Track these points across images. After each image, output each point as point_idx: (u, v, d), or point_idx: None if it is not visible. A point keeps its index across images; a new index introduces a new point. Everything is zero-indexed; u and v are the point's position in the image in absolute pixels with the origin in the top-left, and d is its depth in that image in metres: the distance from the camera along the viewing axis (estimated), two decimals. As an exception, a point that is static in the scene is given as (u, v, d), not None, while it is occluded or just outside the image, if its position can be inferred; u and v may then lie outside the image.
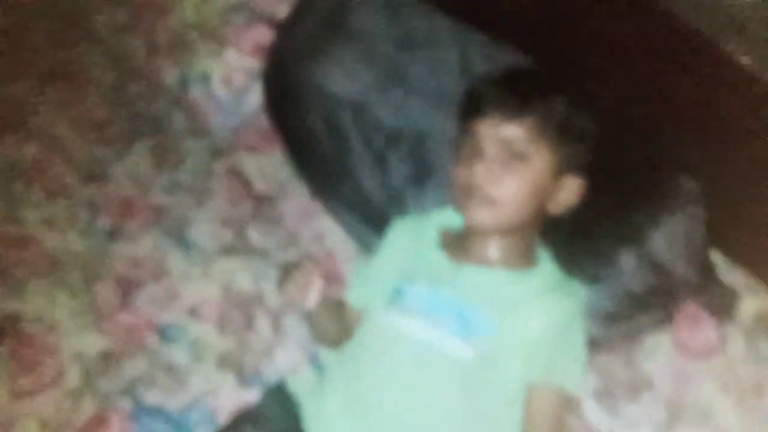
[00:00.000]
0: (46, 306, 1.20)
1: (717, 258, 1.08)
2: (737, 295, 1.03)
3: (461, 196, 0.92)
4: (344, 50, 1.20)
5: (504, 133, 0.90)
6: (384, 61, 1.17)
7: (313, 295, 0.93)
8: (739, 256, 1.09)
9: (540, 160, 0.90)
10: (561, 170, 0.92)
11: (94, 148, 1.41)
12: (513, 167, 0.89)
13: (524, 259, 0.96)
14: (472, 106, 0.94)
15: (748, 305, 1.06)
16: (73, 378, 1.11)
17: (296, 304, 0.98)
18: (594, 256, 1.00)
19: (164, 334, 1.16)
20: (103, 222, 1.30)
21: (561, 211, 0.94)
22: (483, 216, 0.90)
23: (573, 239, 0.99)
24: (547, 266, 0.97)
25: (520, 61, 1.14)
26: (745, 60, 0.90)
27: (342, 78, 1.19)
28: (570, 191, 0.94)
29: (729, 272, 1.09)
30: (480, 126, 0.91)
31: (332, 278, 1.19)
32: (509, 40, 1.16)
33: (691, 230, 1.00)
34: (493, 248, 0.94)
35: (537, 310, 0.91)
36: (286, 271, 0.98)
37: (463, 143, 0.94)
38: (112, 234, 1.28)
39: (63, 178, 1.37)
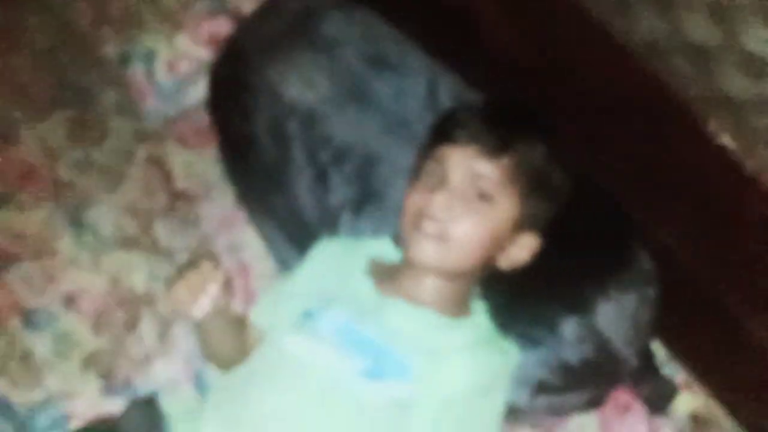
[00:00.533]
0: None
1: (657, 348, 1.01)
2: (676, 390, 0.95)
3: (411, 224, 0.81)
4: (306, 55, 1.11)
5: (476, 168, 0.79)
6: (346, 75, 1.09)
7: (202, 303, 0.77)
8: (680, 350, 1.02)
9: (505, 207, 0.80)
10: (522, 224, 0.83)
11: (9, 108, 1.26)
12: (476, 207, 0.79)
13: (457, 307, 0.85)
14: (446, 130, 0.83)
15: (684, 402, 0.98)
16: None
17: (182, 310, 0.80)
18: (534, 317, 0.90)
19: (30, 319, 0.99)
20: (-4, 185, 1.14)
21: (509, 267, 0.85)
22: (430, 252, 0.79)
23: (514, 295, 0.89)
24: (480, 319, 0.87)
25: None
26: (726, 140, 0.85)
27: (298, 83, 1.09)
28: (524, 248, 0.84)
29: (667, 365, 1.01)
30: (451, 153, 0.81)
31: (243, 294, 1.05)
32: (483, 80, 1.10)
33: (640, 311, 0.92)
34: (428, 288, 0.83)
35: (460, 365, 0.79)
36: (181, 270, 0.82)
37: (425, 168, 0.84)
38: (1, 200, 1.12)
39: (-40, 132, 1.21)
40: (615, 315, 0.90)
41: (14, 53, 1.36)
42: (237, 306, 1.04)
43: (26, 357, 0.95)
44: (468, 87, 1.10)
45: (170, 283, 0.81)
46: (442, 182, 0.80)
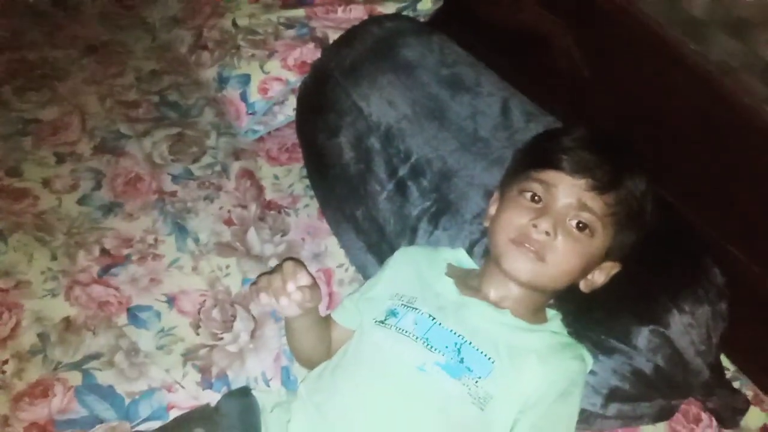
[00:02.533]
0: (22, 261, 1.08)
1: (727, 363, 0.98)
2: (748, 404, 0.92)
3: (508, 242, 0.80)
4: (387, 77, 1.15)
5: (584, 200, 0.79)
6: (425, 95, 1.11)
7: (283, 302, 0.77)
8: (749, 365, 0.98)
9: (602, 240, 0.80)
10: (610, 254, 0.83)
11: (116, 123, 1.34)
12: (576, 237, 0.79)
13: (534, 315, 0.85)
14: (553, 156, 0.82)
15: (754, 417, 0.94)
16: (28, 338, 0.98)
17: (263, 307, 0.81)
18: (608, 327, 0.88)
19: (135, 316, 1.03)
20: (105, 194, 1.21)
21: (588, 290, 0.85)
22: (526, 269, 0.79)
23: (589, 306, 0.88)
24: (556, 326, 0.86)
25: (555, 125, 1.07)
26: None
27: (380, 102, 1.13)
28: (606, 274, 0.84)
29: (737, 380, 0.98)
30: (560, 180, 0.80)
31: (326, 298, 1.07)
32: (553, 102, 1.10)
33: (712, 324, 0.89)
34: (509, 294, 0.83)
35: (539, 366, 0.78)
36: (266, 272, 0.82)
37: (525, 187, 0.83)
38: (111, 208, 1.19)
39: (75, 145, 1.29)
40: (688, 327, 0.87)
41: (122, 75, 1.46)
42: (320, 309, 1.07)
43: (132, 350, 0.99)
44: (539, 108, 1.10)
45: (255, 281, 0.82)
46: (548, 207, 0.80)
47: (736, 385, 0.97)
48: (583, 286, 0.84)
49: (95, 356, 0.97)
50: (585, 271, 0.82)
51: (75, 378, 0.94)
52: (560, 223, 0.79)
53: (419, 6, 1.37)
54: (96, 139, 1.30)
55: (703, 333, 0.89)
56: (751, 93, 0.89)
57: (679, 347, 0.87)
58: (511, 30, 1.24)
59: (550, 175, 0.81)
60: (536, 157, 0.85)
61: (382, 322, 0.83)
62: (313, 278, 0.80)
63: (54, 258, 1.09)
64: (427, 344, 0.78)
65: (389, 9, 1.36)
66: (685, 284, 0.90)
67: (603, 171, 0.79)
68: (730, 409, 0.92)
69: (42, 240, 1.11)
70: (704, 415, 0.95)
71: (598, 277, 0.84)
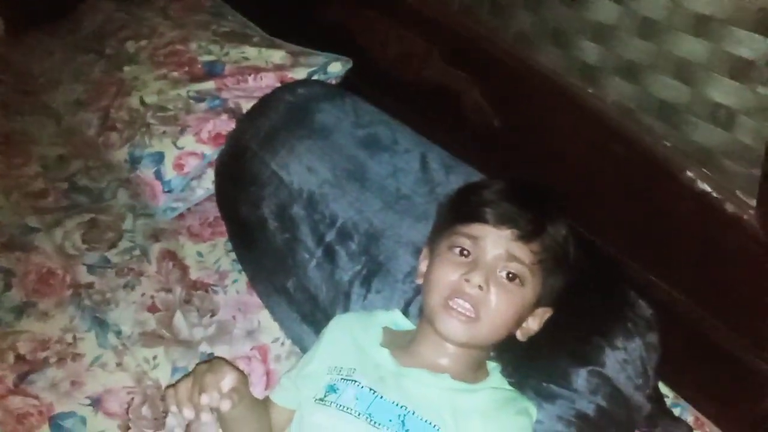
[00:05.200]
0: (-76, 381, 0.98)
1: (665, 391, 0.99)
2: (690, 430, 0.93)
3: (440, 300, 0.79)
4: (305, 143, 1.14)
5: (512, 250, 0.79)
6: (344, 158, 1.11)
7: (197, 409, 0.71)
8: (686, 391, 1.00)
9: (532, 287, 0.81)
10: (541, 300, 0.83)
11: (24, 216, 1.26)
12: (509, 289, 0.79)
13: (474, 372, 0.84)
14: (477, 210, 0.82)
15: (698, 442, 0.96)
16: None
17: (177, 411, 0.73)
18: (547, 372, 0.88)
19: (58, 425, 0.95)
20: (16, 295, 1.12)
21: (524, 338, 0.85)
22: (460, 330, 0.78)
23: (526, 353, 0.88)
24: (497, 381, 0.85)
25: (474, 175, 1.09)
26: (705, 187, 0.87)
27: (300, 169, 1.11)
28: (539, 320, 0.85)
29: (675, 407, 0.99)
30: (486, 233, 0.80)
31: (263, 376, 1.02)
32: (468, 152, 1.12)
33: (646, 357, 0.91)
34: (446, 356, 0.81)
35: (484, 427, 0.77)
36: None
37: (451, 243, 0.82)
38: (23, 309, 1.10)
39: (-20, 244, 1.20)
40: (623, 363, 0.88)
41: (27, 164, 1.38)
42: (258, 388, 1.02)
43: (58, 463, 0.91)
44: (457, 160, 1.12)
45: (167, 388, 0.77)
46: (477, 260, 0.79)
47: (676, 411, 0.99)
48: (519, 335, 0.84)
49: (17, 478, 0.89)
50: (519, 320, 0.82)
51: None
52: (491, 276, 0.79)
53: (329, 69, 1.38)
54: (4, 236, 1.21)
55: (638, 366, 0.90)
56: (649, 131, 0.94)
57: (618, 384, 0.88)
58: (421, 87, 1.26)
59: (477, 229, 0.81)
60: (461, 211, 0.85)
61: (321, 400, 0.79)
62: (237, 370, 0.76)
63: (-38, 372, 1.00)
64: (371, 420, 0.75)
65: (300, 74, 1.36)
66: (614, 321, 0.91)
67: (526, 220, 0.80)
68: (676, 438, 0.93)
69: (-53, 354, 1.02)
70: (651, 448, 0.95)
71: (533, 324, 0.84)
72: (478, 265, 0.79)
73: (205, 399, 0.71)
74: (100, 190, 1.33)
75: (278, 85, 1.32)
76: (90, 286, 1.14)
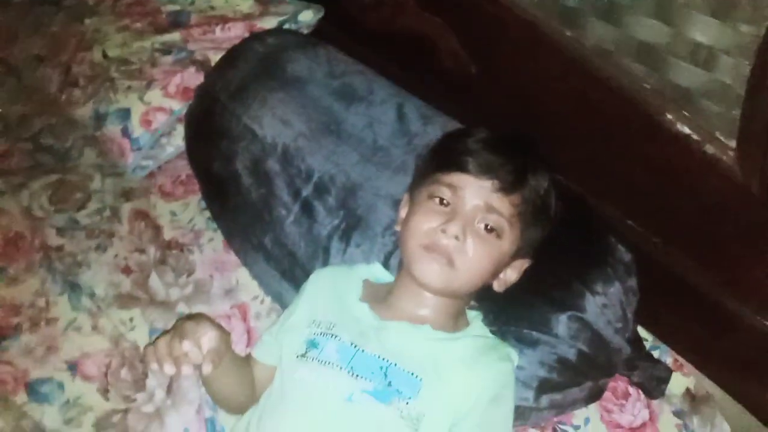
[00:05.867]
0: None
1: (644, 334, 1.00)
2: (670, 372, 0.95)
3: (418, 247, 0.78)
4: (277, 95, 1.10)
5: (490, 201, 0.78)
6: (319, 110, 1.08)
7: (179, 366, 0.68)
8: (666, 333, 1.02)
9: (510, 240, 0.80)
10: (520, 252, 0.82)
11: (-13, 180, 1.21)
12: (486, 240, 0.78)
13: (455, 321, 0.84)
14: (458, 159, 0.81)
15: (677, 383, 0.97)
16: None
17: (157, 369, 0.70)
18: (528, 319, 0.88)
19: (35, 391, 0.93)
20: (-17, 261, 1.09)
21: (502, 289, 0.84)
22: (437, 276, 0.77)
23: (506, 301, 0.88)
24: (478, 329, 0.85)
25: (452, 124, 1.06)
26: (685, 129, 0.86)
27: (273, 122, 1.08)
28: (517, 271, 0.84)
29: (655, 349, 1.01)
30: (465, 183, 0.79)
31: (244, 334, 1.01)
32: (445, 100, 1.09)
33: (625, 301, 0.91)
34: (427, 306, 0.81)
35: (465, 373, 0.77)
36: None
37: (430, 191, 0.81)
38: (-9, 275, 1.07)
39: (-57, 210, 1.15)
40: (603, 308, 0.88)
41: (-14, 125, 1.33)
42: (239, 346, 1.01)
43: (36, 430, 0.89)
44: (434, 109, 1.09)
45: (146, 347, 0.73)
46: (456, 210, 0.78)
47: (656, 354, 1.00)
48: (496, 285, 0.84)
49: (-6, 444, 0.87)
50: (496, 271, 0.82)
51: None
52: (469, 227, 0.77)
53: (300, 17, 1.33)
54: (-33, 201, 1.17)
55: (618, 311, 0.90)
56: (628, 73, 0.92)
57: (598, 328, 0.88)
58: (395, 35, 1.22)
59: (457, 178, 0.79)
60: (442, 159, 0.84)
61: (302, 355, 0.79)
62: (218, 326, 0.74)
63: (-69, 341, 0.97)
64: (352, 373, 0.75)
65: (270, 23, 1.31)
66: (593, 266, 0.91)
67: (507, 171, 0.79)
68: (655, 379, 0.95)
69: None
70: (632, 389, 0.97)
71: (510, 275, 0.84)
72: (456, 216, 0.78)
73: (186, 345, 0.69)
74: (66, 149, 1.28)
75: (247, 35, 1.27)
76: (60, 248, 1.11)
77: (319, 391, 0.75)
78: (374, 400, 0.73)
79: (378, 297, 0.85)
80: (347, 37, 1.29)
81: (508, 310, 0.89)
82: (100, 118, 1.23)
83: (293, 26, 1.33)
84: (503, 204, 0.78)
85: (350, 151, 1.03)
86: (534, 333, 0.88)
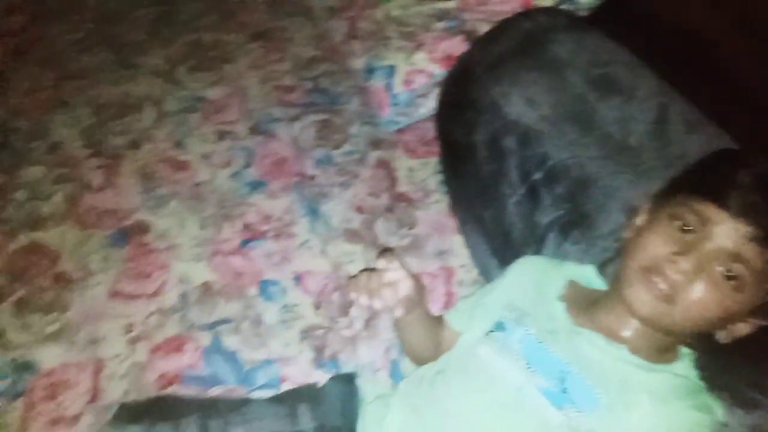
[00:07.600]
0: (175, 226, 1.19)
1: None
2: None
3: (639, 270, 0.71)
4: (530, 75, 1.08)
5: (742, 250, 0.67)
6: (570, 96, 1.03)
7: (376, 303, 0.74)
8: None
9: (750, 296, 0.68)
10: (758, 312, 0.70)
11: (271, 106, 1.42)
12: (720, 288, 0.67)
13: (658, 353, 0.75)
14: (720, 190, 0.69)
15: None
16: (171, 297, 1.08)
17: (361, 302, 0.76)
18: (751, 378, 0.76)
19: (265, 289, 1.09)
20: (254, 172, 1.28)
21: (726, 341, 0.73)
22: (646, 306, 0.70)
23: (732, 351, 0.77)
24: (684, 368, 0.75)
25: (722, 139, 0.94)
26: None
27: (520, 102, 1.07)
28: (748, 329, 0.72)
29: None
30: (718, 218, 0.68)
31: (444, 297, 1.05)
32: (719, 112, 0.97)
33: None
34: (628, 328, 0.74)
35: (652, 410, 0.69)
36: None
37: (674, 212, 0.72)
38: (257, 186, 1.26)
39: (234, 125, 1.38)
40: None
41: (282, 61, 1.53)
42: (436, 305, 1.06)
43: (257, 321, 1.05)
44: (704, 118, 0.97)
45: (354, 276, 0.80)
46: (694, 244, 0.69)
47: None
48: (720, 336, 0.72)
49: (225, 321, 1.05)
50: (723, 324, 0.71)
51: (205, 339, 1.02)
52: (705, 267, 0.67)
53: (579, -1, 1.28)
54: (252, 120, 1.38)
55: None
56: None
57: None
58: (678, 30, 1.11)
59: (711, 210, 0.69)
60: (701, 183, 0.73)
61: (488, 334, 0.79)
62: (417, 278, 0.78)
63: (203, 227, 1.18)
64: (529, 366, 0.73)
65: (547, 1, 1.28)
66: None
67: None
68: None
69: (194, 209, 1.21)
70: None
71: (741, 329, 0.72)
72: (694, 250, 0.68)
73: (384, 283, 0.74)
74: (338, 93, 1.43)
75: (520, 10, 1.27)
76: (312, 178, 1.26)
77: (494, 373, 0.75)
78: (545, 400, 0.71)
79: (579, 301, 0.80)
80: (626, 26, 1.20)
81: (730, 359, 0.77)
82: (369, 71, 1.35)
83: (570, 7, 1.29)
84: (755, 255, 0.66)
85: (593, 144, 0.98)
86: (756, 395, 0.76)
